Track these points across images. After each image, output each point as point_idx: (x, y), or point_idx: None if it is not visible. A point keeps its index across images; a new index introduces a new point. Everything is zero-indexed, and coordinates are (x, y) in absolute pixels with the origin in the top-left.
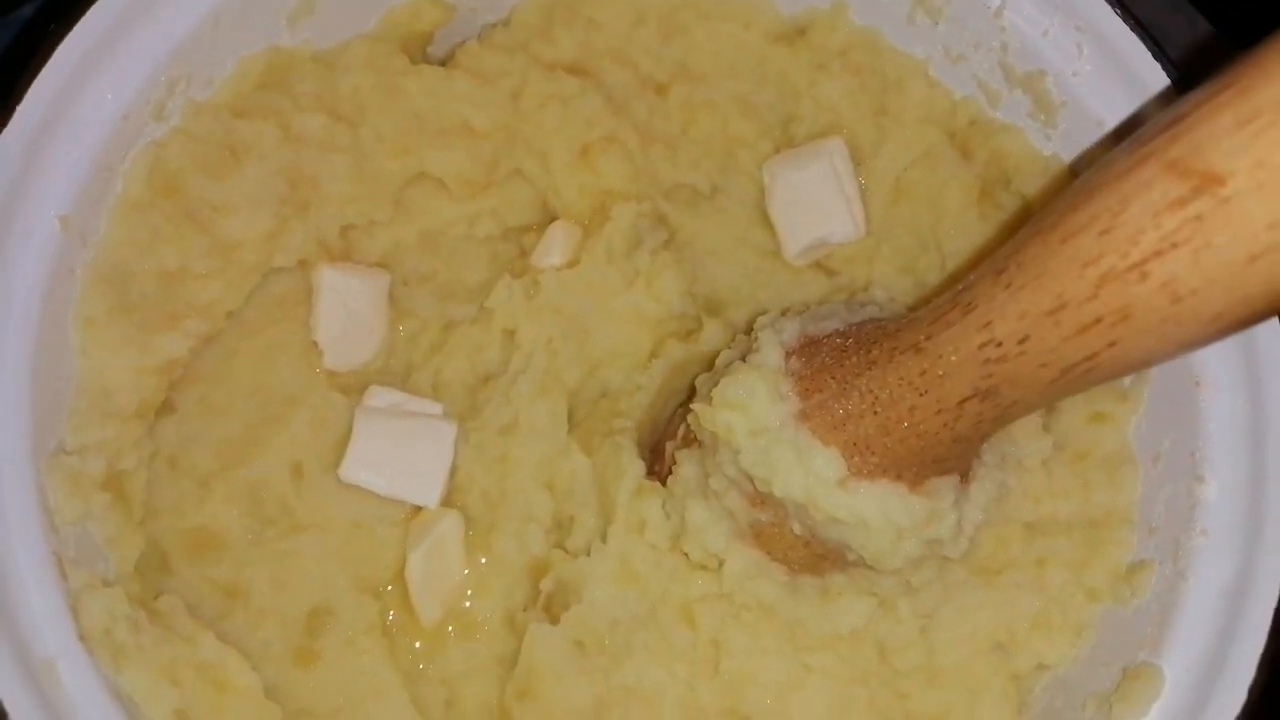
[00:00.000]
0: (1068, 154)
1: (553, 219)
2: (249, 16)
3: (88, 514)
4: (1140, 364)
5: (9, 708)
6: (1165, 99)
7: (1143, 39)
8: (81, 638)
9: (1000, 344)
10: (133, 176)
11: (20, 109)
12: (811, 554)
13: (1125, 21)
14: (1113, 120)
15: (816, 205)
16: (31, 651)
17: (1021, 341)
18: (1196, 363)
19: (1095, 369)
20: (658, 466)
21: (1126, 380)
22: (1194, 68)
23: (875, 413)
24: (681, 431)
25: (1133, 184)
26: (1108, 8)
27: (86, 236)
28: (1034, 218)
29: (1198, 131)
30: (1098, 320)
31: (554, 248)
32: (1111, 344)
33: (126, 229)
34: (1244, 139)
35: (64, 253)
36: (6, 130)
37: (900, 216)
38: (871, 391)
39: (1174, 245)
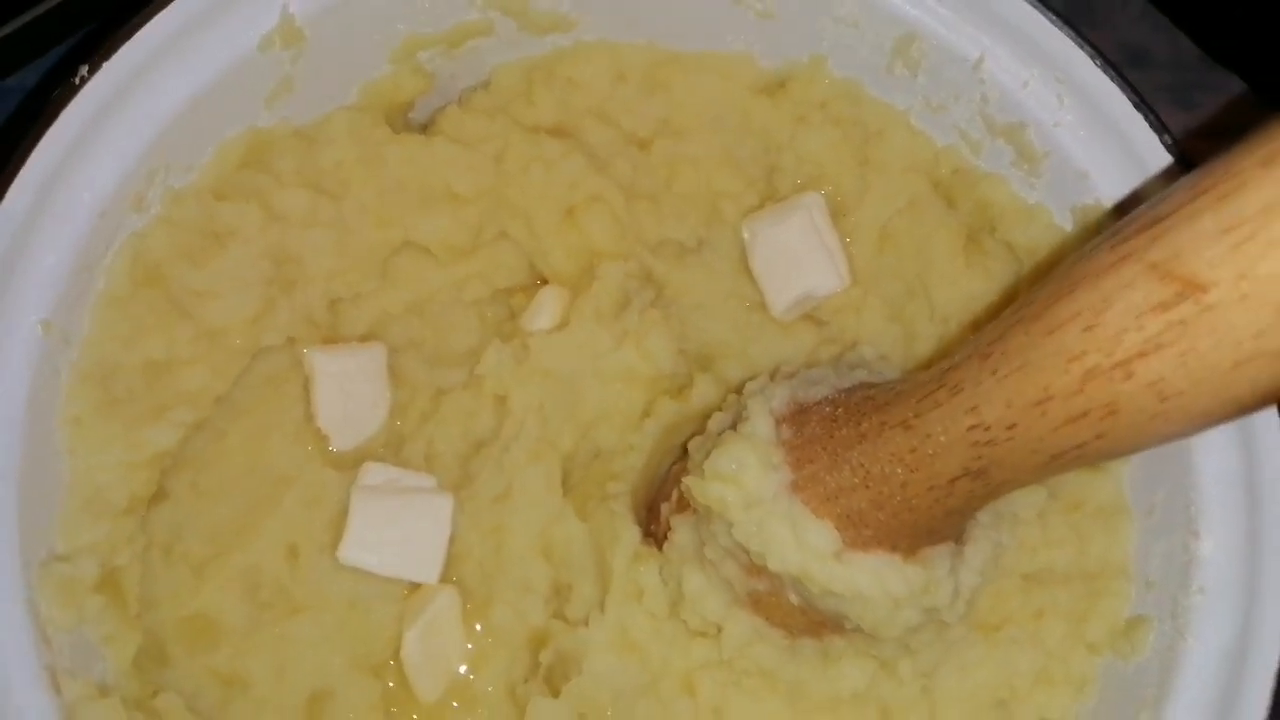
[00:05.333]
0: (1052, 202)
1: (540, 280)
2: (226, 101)
3: (81, 619)
4: (1131, 451)
5: None
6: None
7: (1123, 88)
8: None
9: (988, 428)
10: (114, 270)
11: None
12: (810, 620)
13: (1105, 72)
14: (1096, 170)
15: (798, 260)
16: None
17: (1010, 428)
18: None
19: (1085, 456)
20: (654, 525)
21: None
22: (1180, 92)
23: (867, 487)
24: (676, 495)
25: (1114, 282)
26: (1087, 58)
27: (69, 336)
28: (1017, 302)
29: (1178, 235)
30: (1085, 414)
31: (543, 311)
32: (1099, 436)
33: (109, 324)
34: (1225, 249)
35: (47, 356)
36: None
37: (887, 265)
38: (863, 466)
39: (1158, 347)
